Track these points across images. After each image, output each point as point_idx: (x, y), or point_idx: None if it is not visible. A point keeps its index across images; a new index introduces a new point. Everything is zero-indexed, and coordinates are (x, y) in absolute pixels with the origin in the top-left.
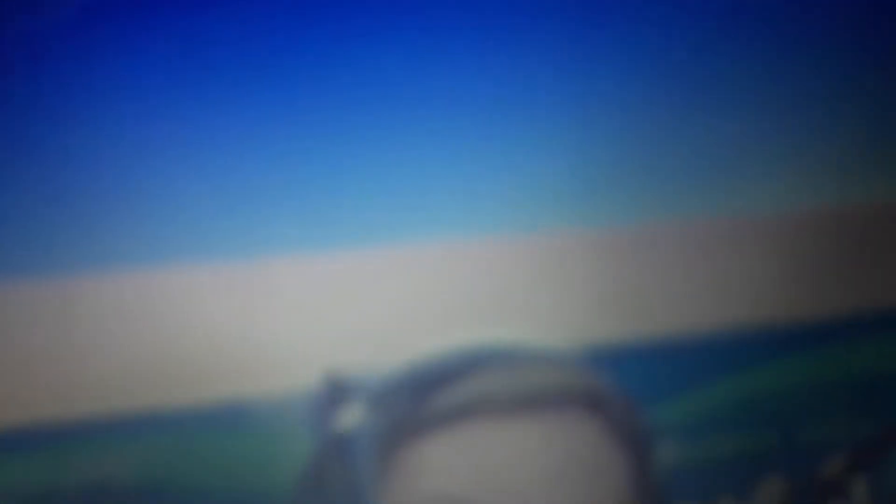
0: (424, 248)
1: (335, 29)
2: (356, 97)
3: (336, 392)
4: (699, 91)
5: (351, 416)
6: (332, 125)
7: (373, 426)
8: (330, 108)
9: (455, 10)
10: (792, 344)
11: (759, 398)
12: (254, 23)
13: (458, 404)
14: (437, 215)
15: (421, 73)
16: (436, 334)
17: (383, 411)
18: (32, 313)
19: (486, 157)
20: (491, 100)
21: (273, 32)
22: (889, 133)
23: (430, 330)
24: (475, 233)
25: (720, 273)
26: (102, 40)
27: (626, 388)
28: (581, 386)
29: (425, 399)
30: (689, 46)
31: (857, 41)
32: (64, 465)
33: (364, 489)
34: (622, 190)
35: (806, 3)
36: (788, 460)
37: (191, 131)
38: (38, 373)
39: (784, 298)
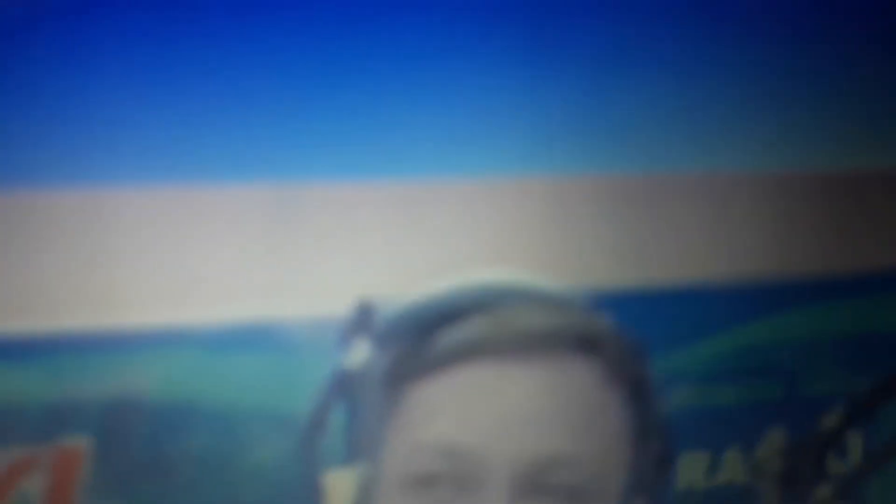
0: (446, 186)
1: None
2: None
3: (363, 320)
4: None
5: (361, 351)
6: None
7: (380, 363)
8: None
9: None
10: (795, 299)
11: (763, 350)
12: None
13: (458, 346)
14: (458, 154)
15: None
16: (452, 270)
17: (390, 348)
18: (54, 224)
19: (506, 100)
20: (512, 41)
21: None
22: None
23: (447, 265)
24: (495, 173)
25: (730, 226)
26: None
27: (636, 333)
28: (580, 329)
29: (428, 338)
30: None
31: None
32: (86, 376)
33: (369, 427)
34: (633, 140)
35: None
36: (790, 413)
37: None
38: (63, 282)
39: (789, 254)
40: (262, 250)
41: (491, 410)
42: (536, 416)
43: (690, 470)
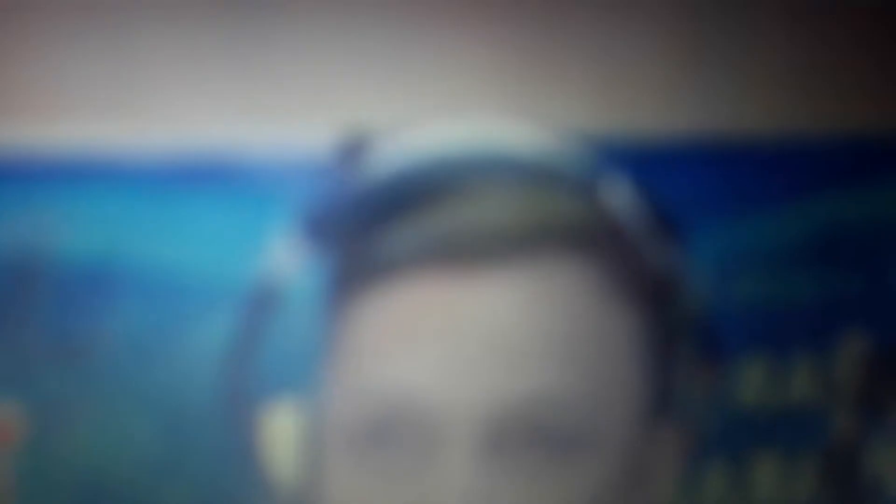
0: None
1: None
2: None
3: (354, 155)
4: None
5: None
6: None
7: (323, 259)
8: None
9: None
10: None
11: (846, 230)
12: None
13: (406, 251)
14: None
15: None
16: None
17: (332, 244)
18: None
19: None
20: None
21: None
22: None
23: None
24: None
25: (813, 62)
26: None
27: (668, 202)
28: (571, 217)
29: (377, 235)
30: None
31: None
32: None
33: (308, 345)
34: None
35: None
36: (876, 313)
37: None
38: None
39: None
40: (230, 63)
41: (449, 342)
42: (509, 346)
43: (745, 383)
